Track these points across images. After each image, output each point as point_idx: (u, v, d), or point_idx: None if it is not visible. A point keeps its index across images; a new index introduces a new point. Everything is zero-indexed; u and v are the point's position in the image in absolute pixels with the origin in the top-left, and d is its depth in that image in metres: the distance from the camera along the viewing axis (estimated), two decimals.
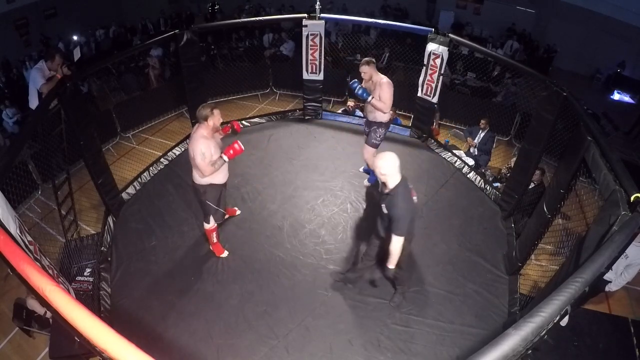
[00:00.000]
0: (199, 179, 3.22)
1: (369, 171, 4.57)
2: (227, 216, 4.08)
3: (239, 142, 3.13)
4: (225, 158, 3.13)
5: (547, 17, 10.84)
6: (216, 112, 3.07)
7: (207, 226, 3.58)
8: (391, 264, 2.77)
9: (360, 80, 3.91)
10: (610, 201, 2.22)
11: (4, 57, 9.32)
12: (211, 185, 3.26)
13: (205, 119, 3.05)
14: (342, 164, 4.98)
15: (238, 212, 4.23)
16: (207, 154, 3.02)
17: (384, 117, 3.99)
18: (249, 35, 9.90)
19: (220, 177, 3.27)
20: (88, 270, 3.51)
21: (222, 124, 3.25)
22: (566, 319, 1.45)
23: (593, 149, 2.62)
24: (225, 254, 3.77)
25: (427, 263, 3.73)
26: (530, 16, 11.11)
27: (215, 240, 3.70)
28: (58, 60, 3.97)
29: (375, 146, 4.16)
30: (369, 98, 3.84)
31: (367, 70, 3.84)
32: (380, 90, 3.79)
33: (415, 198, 2.71)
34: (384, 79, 3.82)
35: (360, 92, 3.83)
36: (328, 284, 3.49)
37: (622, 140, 7.56)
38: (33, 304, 3.27)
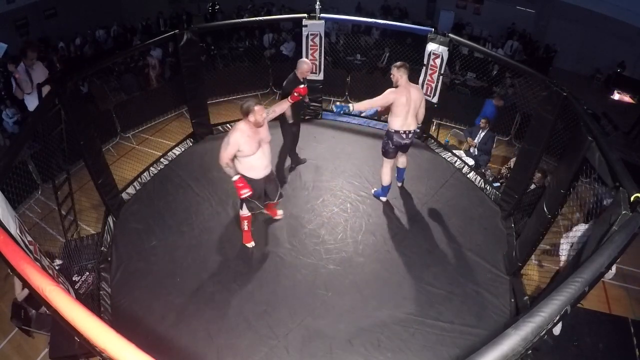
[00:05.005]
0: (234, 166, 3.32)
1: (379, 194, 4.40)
2: (266, 213, 4.00)
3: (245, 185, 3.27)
4: (234, 178, 3.27)
5: (547, 17, 10.85)
6: (258, 108, 3.09)
7: (240, 212, 3.64)
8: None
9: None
10: None
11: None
12: (245, 177, 3.31)
13: (246, 114, 3.11)
14: (342, 164, 4.98)
15: (279, 214, 4.13)
16: (231, 144, 3.10)
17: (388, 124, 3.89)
18: (249, 35, 9.90)
19: (253, 172, 3.32)
20: (88, 270, 3.51)
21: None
22: (559, 326, 1.45)
23: (596, 149, 2.62)
24: (252, 244, 3.81)
25: (427, 263, 3.73)
26: (530, 16, 11.12)
27: (245, 228, 3.73)
28: (31, 55, 3.99)
29: (383, 154, 4.09)
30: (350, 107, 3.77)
31: (394, 73, 3.70)
32: None
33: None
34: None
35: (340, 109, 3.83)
36: (328, 284, 3.49)
37: (622, 140, 7.56)
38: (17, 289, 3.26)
